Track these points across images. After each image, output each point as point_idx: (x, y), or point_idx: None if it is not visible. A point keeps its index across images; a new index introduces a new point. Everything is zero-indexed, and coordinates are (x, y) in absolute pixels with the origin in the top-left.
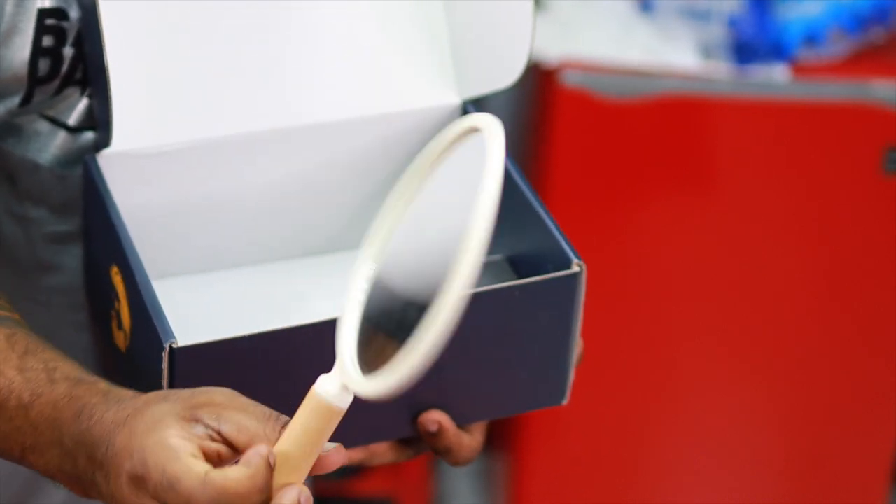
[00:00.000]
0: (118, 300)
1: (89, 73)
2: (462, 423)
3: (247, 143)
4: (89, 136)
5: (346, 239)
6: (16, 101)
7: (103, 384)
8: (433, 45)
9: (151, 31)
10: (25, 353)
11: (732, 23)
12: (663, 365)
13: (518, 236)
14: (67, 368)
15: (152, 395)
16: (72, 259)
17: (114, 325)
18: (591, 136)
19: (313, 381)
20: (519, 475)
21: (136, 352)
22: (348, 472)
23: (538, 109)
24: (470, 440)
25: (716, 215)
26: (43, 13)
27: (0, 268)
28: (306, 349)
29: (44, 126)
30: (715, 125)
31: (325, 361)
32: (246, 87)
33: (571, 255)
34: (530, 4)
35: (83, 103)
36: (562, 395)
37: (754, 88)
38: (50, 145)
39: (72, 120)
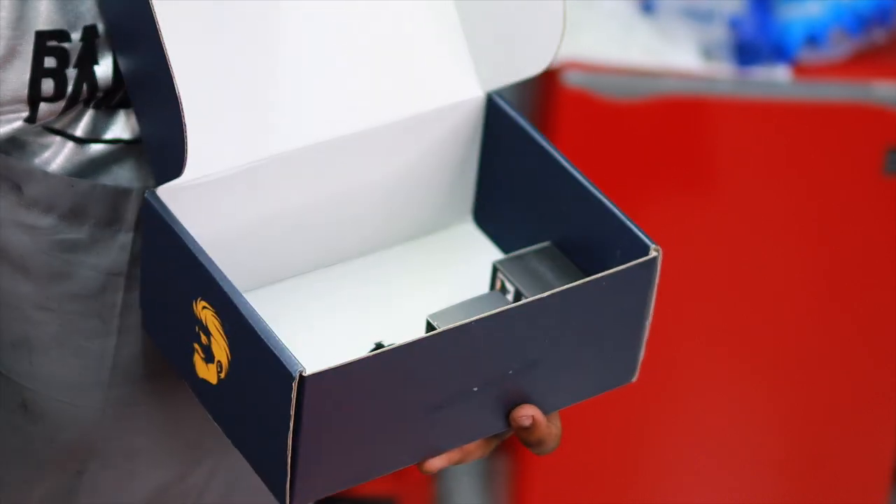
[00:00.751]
0: (207, 334)
1: (135, 97)
2: (547, 412)
3: (295, 159)
4: (97, 147)
5: (402, 233)
6: (18, 122)
7: None
8: (450, 39)
9: (207, 55)
10: None
11: (734, 23)
12: (663, 364)
13: (564, 220)
14: None
15: None
16: (83, 266)
17: (197, 358)
18: (592, 136)
19: (446, 393)
20: (519, 475)
21: (236, 383)
22: None
23: (540, 109)
24: (555, 429)
25: (717, 215)
26: (43, 35)
27: (9, 277)
28: (435, 360)
29: (50, 138)
30: (716, 126)
31: (458, 368)
32: (284, 102)
33: (646, 239)
34: None
35: (88, 115)
36: (633, 372)
37: (756, 89)
38: (58, 156)
39: (79, 132)
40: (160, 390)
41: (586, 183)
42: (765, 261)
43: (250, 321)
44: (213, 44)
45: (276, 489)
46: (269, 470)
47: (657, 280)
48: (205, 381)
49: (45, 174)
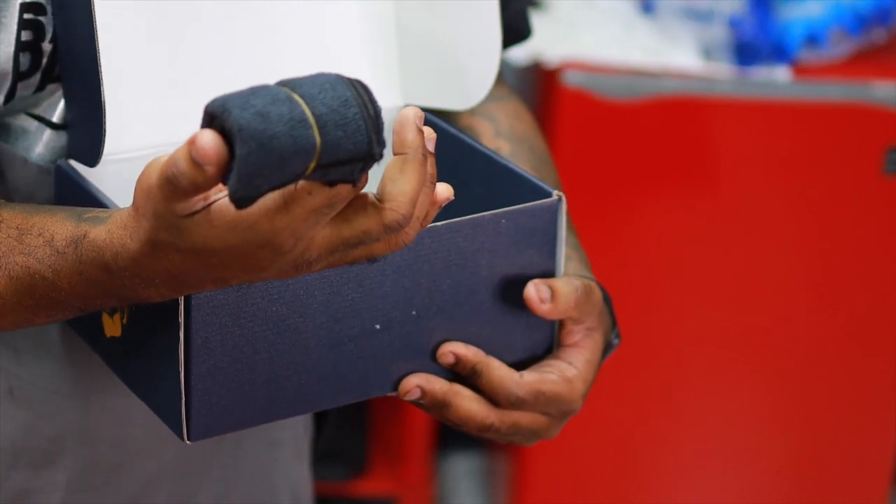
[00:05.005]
0: None
1: (65, 72)
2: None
3: None
4: None
5: None
6: (0, 98)
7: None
8: (381, 47)
9: (134, 38)
10: (21, 234)
11: (733, 23)
12: (663, 365)
13: (487, 200)
14: (61, 231)
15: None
16: None
17: (105, 316)
18: (592, 136)
19: (344, 326)
20: (519, 475)
21: (137, 323)
22: (350, 473)
23: (540, 109)
24: (504, 368)
25: (717, 215)
26: (22, 7)
27: None
28: (328, 285)
29: (30, 124)
30: (716, 126)
31: (354, 298)
32: (208, 87)
33: (549, 189)
34: (498, 40)
35: (64, 101)
36: (551, 343)
37: (755, 89)
38: (37, 143)
39: (55, 118)
40: None
41: (495, 157)
42: (764, 260)
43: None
44: (144, 36)
45: (174, 424)
46: (168, 405)
47: (562, 233)
48: (112, 339)
49: (25, 161)
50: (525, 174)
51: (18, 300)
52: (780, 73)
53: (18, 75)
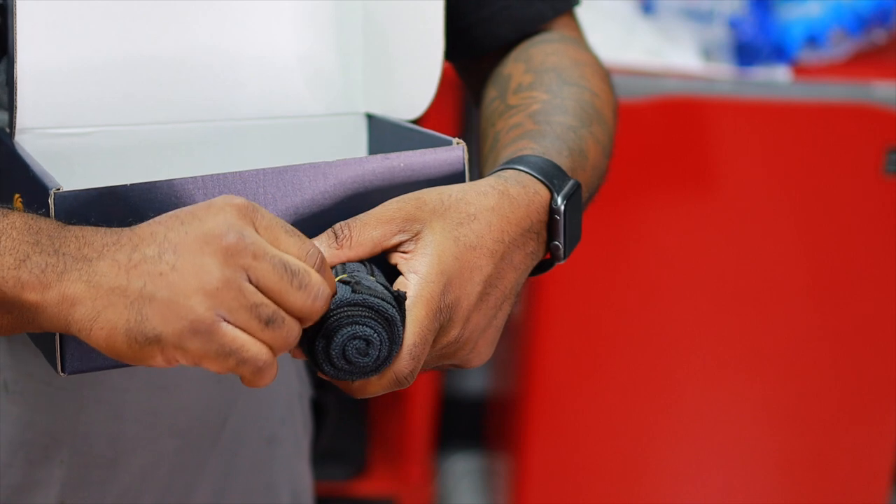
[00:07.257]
0: None
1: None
2: None
3: (158, 136)
4: None
5: None
6: None
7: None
8: (348, 55)
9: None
10: None
11: (734, 24)
12: (663, 364)
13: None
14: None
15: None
16: None
17: None
18: None
19: None
20: (519, 475)
21: None
22: (350, 473)
23: None
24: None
25: (717, 216)
26: None
27: None
28: (188, 201)
29: (4, 117)
30: (716, 126)
31: None
32: (163, 79)
33: (450, 139)
34: (440, 54)
35: None
36: None
37: (756, 89)
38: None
39: None
40: (146, 377)
41: (417, 129)
42: (765, 260)
43: (26, 161)
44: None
45: (52, 359)
46: (47, 341)
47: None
48: None
49: None
50: (433, 134)
51: None
52: (780, 74)
53: None
